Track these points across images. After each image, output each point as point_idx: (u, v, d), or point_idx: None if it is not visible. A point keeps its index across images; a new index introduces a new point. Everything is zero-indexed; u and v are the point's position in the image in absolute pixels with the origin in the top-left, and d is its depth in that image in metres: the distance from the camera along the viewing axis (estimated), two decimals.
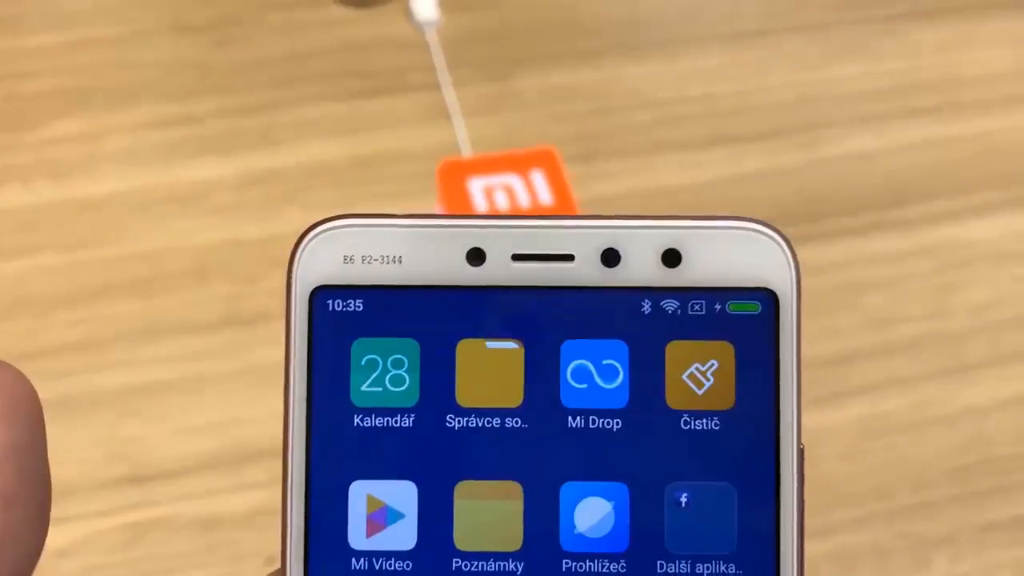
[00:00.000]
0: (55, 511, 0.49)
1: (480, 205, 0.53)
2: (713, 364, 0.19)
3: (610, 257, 0.20)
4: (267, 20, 0.72)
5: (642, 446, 0.19)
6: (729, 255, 0.20)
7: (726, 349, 0.19)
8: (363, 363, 0.20)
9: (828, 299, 0.58)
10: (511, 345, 0.20)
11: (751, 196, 0.63)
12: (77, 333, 0.55)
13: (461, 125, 0.66)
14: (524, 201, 0.53)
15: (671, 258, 0.20)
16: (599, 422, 0.20)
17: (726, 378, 0.19)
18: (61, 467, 0.49)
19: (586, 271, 0.20)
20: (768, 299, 0.20)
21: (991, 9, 0.75)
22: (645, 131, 0.66)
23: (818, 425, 0.52)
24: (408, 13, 0.73)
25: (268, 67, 0.69)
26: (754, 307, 0.20)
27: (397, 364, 0.20)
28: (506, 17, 0.74)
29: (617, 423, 0.20)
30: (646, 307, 0.20)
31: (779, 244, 0.20)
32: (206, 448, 0.51)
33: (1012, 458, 0.52)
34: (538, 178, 0.54)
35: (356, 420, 0.20)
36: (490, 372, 0.20)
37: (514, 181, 0.54)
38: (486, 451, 0.20)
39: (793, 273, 0.20)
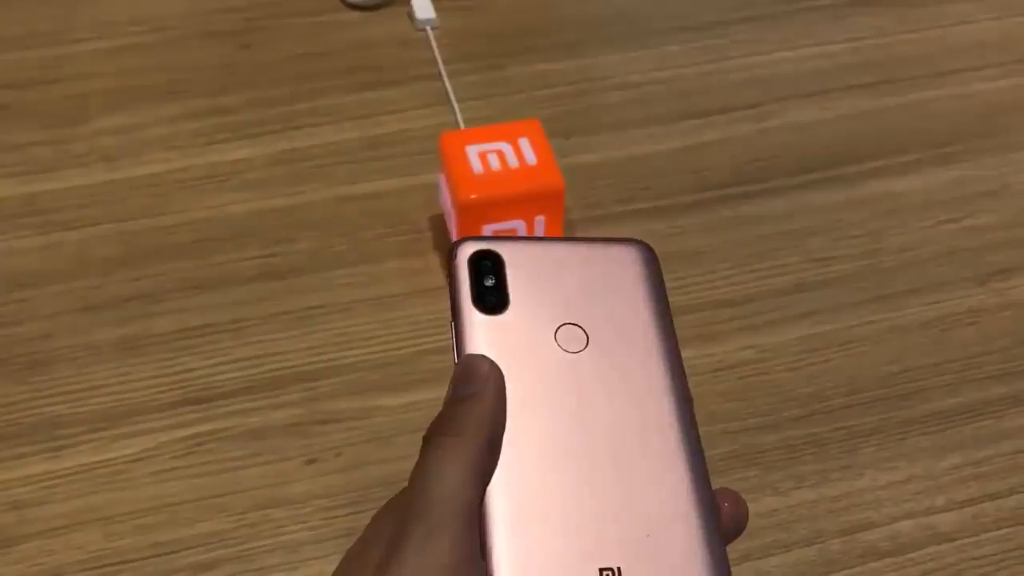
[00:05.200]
0: (124, 428, 0.59)
1: (476, 166, 0.62)
2: None
3: None
4: (285, 25, 0.82)
5: None
6: None
7: None
8: None
9: (776, 243, 0.67)
10: None
11: (709, 161, 0.72)
12: (136, 287, 0.64)
13: (456, 108, 0.75)
14: (513, 162, 0.62)
15: None
16: None
17: None
18: (130, 394, 0.59)
19: None
20: None
21: None
22: (619, 109, 0.76)
23: (768, 343, 0.62)
24: (410, 14, 0.83)
25: (288, 65, 0.79)
26: None
27: None
28: (496, 17, 0.84)
29: None
30: None
31: None
32: (248, 375, 0.60)
33: (930, 367, 0.61)
34: (524, 144, 0.63)
35: None
36: None
37: (504, 147, 0.63)
38: None
39: None
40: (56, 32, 0.81)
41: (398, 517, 0.28)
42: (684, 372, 0.32)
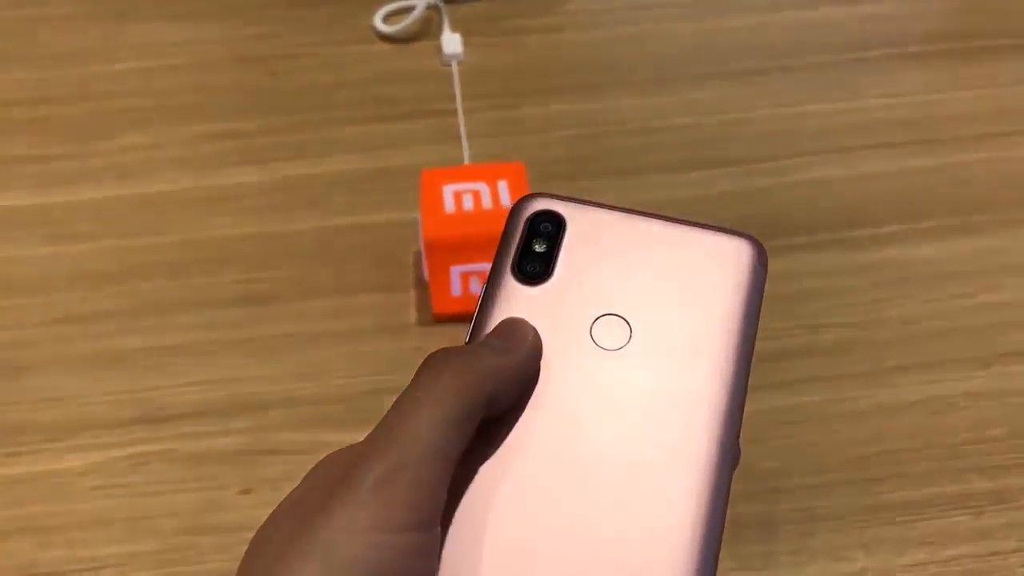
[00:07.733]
0: (78, 440, 0.60)
1: (448, 206, 0.61)
2: None
3: None
4: (317, 54, 0.83)
5: None
6: None
7: None
8: None
9: (767, 305, 0.63)
10: None
11: (718, 213, 0.69)
12: (120, 303, 0.66)
13: (465, 145, 0.74)
14: (487, 204, 0.61)
15: None
16: None
17: None
18: (92, 407, 0.60)
19: None
20: None
21: (975, 53, 0.79)
22: (631, 155, 0.74)
23: None
24: (440, 49, 0.83)
25: (310, 94, 0.80)
26: None
27: None
28: (524, 55, 0.83)
29: None
30: None
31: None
32: (206, 398, 0.60)
33: (910, 451, 0.56)
34: (503, 186, 0.62)
35: None
36: None
37: (481, 187, 0.62)
38: None
39: None
40: (101, 51, 0.84)
41: (352, 456, 0.24)
42: (740, 416, 0.26)
